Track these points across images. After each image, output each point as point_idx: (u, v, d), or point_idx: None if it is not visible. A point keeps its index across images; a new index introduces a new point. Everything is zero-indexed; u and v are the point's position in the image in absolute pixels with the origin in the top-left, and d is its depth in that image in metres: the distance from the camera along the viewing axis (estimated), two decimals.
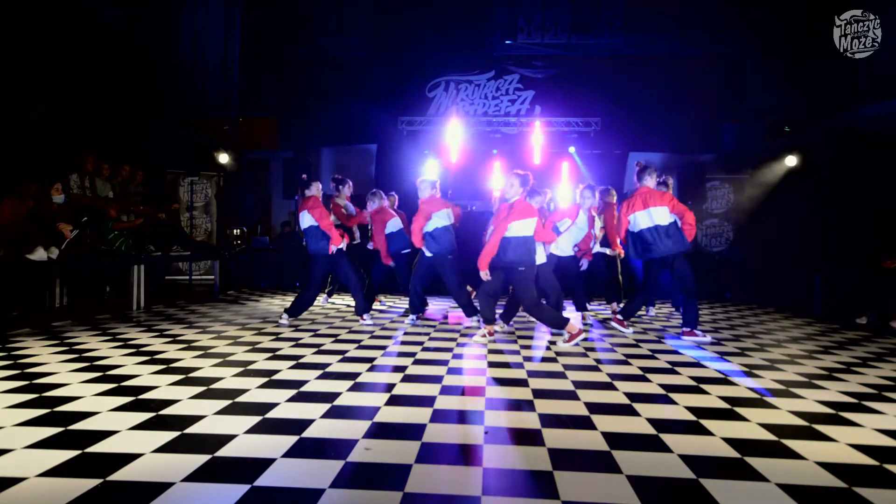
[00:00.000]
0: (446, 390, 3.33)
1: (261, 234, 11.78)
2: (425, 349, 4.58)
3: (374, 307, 7.08)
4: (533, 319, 6.33)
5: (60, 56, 7.50)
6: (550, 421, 2.77)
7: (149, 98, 9.29)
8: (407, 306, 6.32)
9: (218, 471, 2.15)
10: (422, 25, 10.66)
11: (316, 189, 5.85)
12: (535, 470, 2.19)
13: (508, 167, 11.07)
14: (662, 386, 3.50)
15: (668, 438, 2.56)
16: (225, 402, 2.99)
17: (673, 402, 3.14)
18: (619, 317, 5.63)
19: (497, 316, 5.36)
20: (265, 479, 2.07)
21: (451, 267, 5.76)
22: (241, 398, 3.09)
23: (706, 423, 2.79)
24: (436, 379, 3.60)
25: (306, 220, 5.69)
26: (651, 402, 3.13)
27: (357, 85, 11.48)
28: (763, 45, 9.89)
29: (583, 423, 2.77)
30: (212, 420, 2.72)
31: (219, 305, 7.31)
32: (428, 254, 5.80)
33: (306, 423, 2.68)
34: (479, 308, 5.22)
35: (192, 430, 2.57)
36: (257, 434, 2.54)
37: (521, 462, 2.28)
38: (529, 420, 2.79)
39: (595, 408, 3.00)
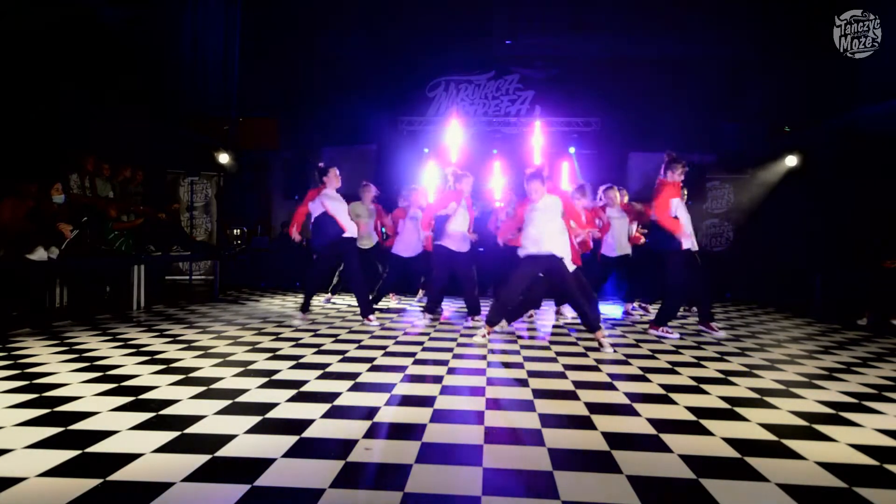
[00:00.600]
0: (446, 390, 3.33)
1: (261, 234, 11.77)
2: (425, 349, 4.58)
3: (391, 305, 7.04)
4: (533, 321, 6.33)
5: (60, 56, 7.50)
6: (550, 421, 2.77)
7: (149, 98, 9.29)
8: (408, 308, 6.30)
9: (218, 471, 2.15)
10: (422, 25, 10.63)
11: (333, 175, 5.72)
12: (535, 470, 2.19)
13: (508, 167, 11.08)
14: (662, 386, 3.50)
15: (668, 438, 2.56)
16: (225, 402, 2.99)
17: (673, 402, 3.15)
18: (655, 325, 5.44)
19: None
20: (265, 479, 2.07)
21: (470, 264, 5.86)
22: (242, 398, 3.09)
23: (706, 423, 2.79)
24: (436, 379, 3.60)
25: (315, 209, 5.67)
26: (651, 402, 3.13)
27: (357, 85, 11.46)
28: (763, 44, 9.86)
29: (583, 423, 2.77)
30: (212, 420, 2.72)
31: (219, 305, 7.30)
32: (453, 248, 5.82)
33: (306, 423, 2.68)
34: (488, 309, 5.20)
35: (192, 430, 2.57)
36: (257, 434, 2.54)
37: (521, 462, 2.28)
38: (529, 420, 2.79)
39: (595, 408, 3.00)
